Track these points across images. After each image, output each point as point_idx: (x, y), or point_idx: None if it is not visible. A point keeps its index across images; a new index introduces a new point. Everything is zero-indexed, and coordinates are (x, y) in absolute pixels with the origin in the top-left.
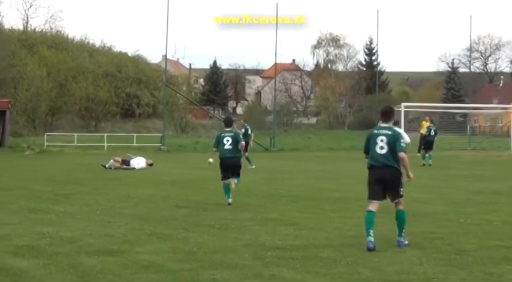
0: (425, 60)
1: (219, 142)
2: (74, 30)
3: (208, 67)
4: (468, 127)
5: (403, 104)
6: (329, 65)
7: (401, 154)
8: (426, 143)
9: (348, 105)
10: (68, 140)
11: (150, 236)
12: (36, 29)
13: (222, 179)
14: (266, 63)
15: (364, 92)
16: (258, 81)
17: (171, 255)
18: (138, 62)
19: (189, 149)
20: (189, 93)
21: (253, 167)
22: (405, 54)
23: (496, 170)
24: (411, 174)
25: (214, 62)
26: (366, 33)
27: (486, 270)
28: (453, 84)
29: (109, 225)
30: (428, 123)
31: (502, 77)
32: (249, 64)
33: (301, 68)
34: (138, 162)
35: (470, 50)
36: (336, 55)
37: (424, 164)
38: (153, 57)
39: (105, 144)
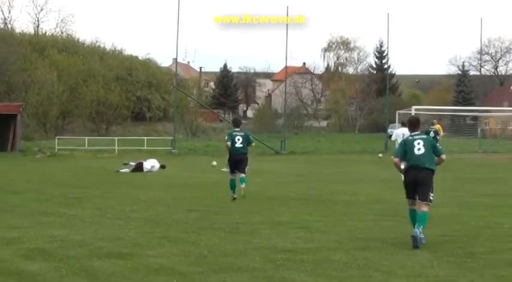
0: (435, 63)
1: (231, 139)
2: (85, 33)
3: (218, 70)
4: (479, 130)
5: (413, 107)
6: (339, 68)
7: (443, 156)
8: None
9: (358, 108)
10: (79, 143)
11: (160, 240)
12: (47, 33)
13: (230, 173)
14: (276, 67)
15: (374, 95)
16: (268, 84)
17: (182, 259)
18: (148, 65)
19: (200, 152)
20: (200, 97)
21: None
22: (415, 57)
23: (506, 172)
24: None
25: (225, 65)
26: (377, 36)
27: (497, 273)
28: (463, 87)
29: (120, 229)
30: (437, 126)
31: None
32: (260, 67)
33: (312, 71)
34: (151, 164)
35: (481, 52)
36: (346, 58)
37: None
38: (164, 60)
39: (116, 147)
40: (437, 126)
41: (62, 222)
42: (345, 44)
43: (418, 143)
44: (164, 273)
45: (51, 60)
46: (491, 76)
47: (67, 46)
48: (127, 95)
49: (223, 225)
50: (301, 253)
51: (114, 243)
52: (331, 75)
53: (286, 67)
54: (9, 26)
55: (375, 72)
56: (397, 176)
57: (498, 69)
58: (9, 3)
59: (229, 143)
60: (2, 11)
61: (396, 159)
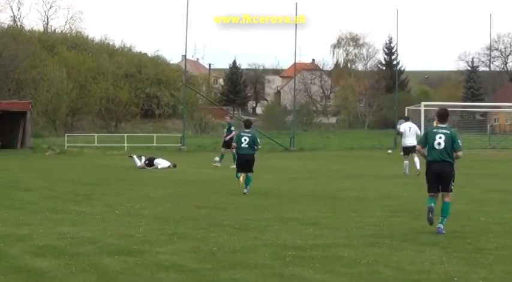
0: (445, 59)
1: (238, 140)
2: (94, 31)
3: (227, 67)
4: (488, 126)
5: (422, 103)
6: (349, 65)
7: (459, 153)
8: None
9: (367, 105)
10: (88, 140)
11: (170, 236)
12: (57, 30)
13: (237, 171)
14: (285, 63)
15: (383, 91)
16: (277, 81)
17: (191, 255)
18: (157, 62)
19: (209, 149)
20: (209, 94)
21: (219, 165)
22: (425, 53)
23: None
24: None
25: (234, 62)
26: (386, 32)
27: (507, 269)
28: (473, 83)
29: (129, 226)
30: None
31: None
32: (269, 64)
33: (321, 67)
34: (162, 163)
35: (490, 48)
36: (355, 54)
37: None
38: (173, 57)
39: (125, 144)
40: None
41: (72, 219)
42: (354, 40)
43: (440, 137)
44: (174, 270)
45: (61, 58)
46: (500, 72)
47: (76, 43)
48: (136, 92)
49: (232, 221)
50: (310, 250)
51: (124, 240)
52: (340, 72)
53: (295, 63)
54: (18, 23)
55: (384, 68)
56: (413, 171)
57: (507, 65)
58: (19, 1)
59: (234, 144)
60: (12, 8)
61: (418, 146)
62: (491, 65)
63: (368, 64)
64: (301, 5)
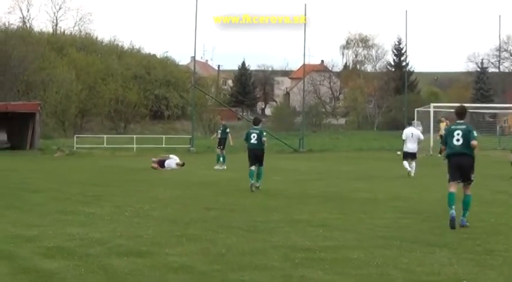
0: (454, 60)
1: (248, 136)
2: (103, 32)
3: (236, 68)
4: (498, 127)
5: (432, 105)
6: (358, 66)
7: (474, 142)
8: None
9: (376, 106)
10: (97, 142)
11: (179, 238)
12: (66, 32)
13: (249, 166)
14: (294, 64)
15: (393, 92)
16: (286, 82)
17: (200, 257)
18: (166, 63)
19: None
20: (218, 95)
21: (224, 168)
22: (434, 54)
23: None
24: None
25: (243, 63)
26: (395, 33)
27: None
28: (482, 84)
29: (138, 227)
30: (444, 124)
31: None
32: (278, 65)
33: (330, 68)
34: (172, 161)
35: (500, 49)
36: (364, 56)
37: None
38: (182, 58)
39: (134, 146)
40: (444, 124)
41: (81, 221)
42: (364, 41)
43: (458, 134)
44: (183, 271)
45: (70, 59)
46: (510, 73)
47: (85, 45)
48: (145, 94)
49: (241, 223)
50: (319, 251)
51: (133, 241)
52: (349, 73)
53: (304, 65)
54: (27, 24)
55: (393, 69)
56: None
57: None
58: (28, 2)
59: (246, 142)
60: (21, 9)
61: (443, 147)
62: (501, 66)
63: (377, 65)
64: (310, 6)
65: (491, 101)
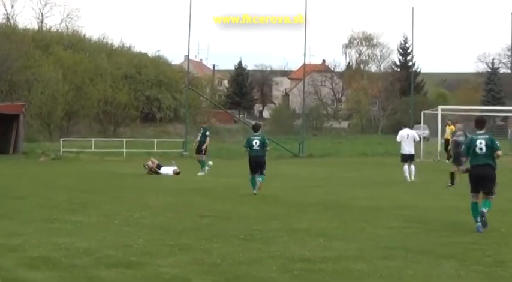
0: (463, 60)
1: (249, 143)
2: (92, 29)
3: (233, 68)
4: (509, 131)
5: (439, 107)
6: (361, 66)
7: (499, 152)
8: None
9: (381, 108)
10: (85, 145)
11: (171, 247)
12: (52, 29)
13: (250, 173)
14: (294, 64)
15: (398, 94)
16: (285, 83)
17: (194, 268)
18: (159, 63)
19: (213, 155)
20: (213, 96)
21: (205, 173)
22: (442, 54)
23: None
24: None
25: (240, 63)
26: (401, 31)
27: None
28: (493, 86)
29: (128, 236)
30: (451, 128)
31: None
32: (276, 65)
33: (332, 69)
34: (170, 168)
35: (511, 49)
36: (368, 55)
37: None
38: (175, 58)
39: (124, 150)
40: (452, 128)
41: (67, 229)
42: (367, 40)
43: (480, 143)
44: None
45: (56, 58)
46: None
47: (73, 43)
48: (136, 95)
49: (237, 232)
50: (319, 262)
51: (122, 251)
52: (352, 73)
53: (304, 65)
54: (11, 21)
55: (398, 70)
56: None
57: None
58: None
59: (245, 149)
60: (5, 5)
61: (464, 158)
62: None
63: (382, 65)
64: (311, 3)
65: (503, 104)
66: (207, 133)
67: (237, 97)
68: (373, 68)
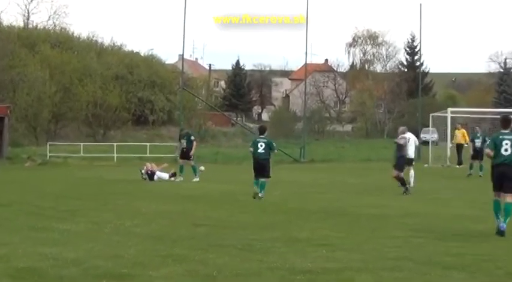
0: (474, 60)
1: (255, 145)
2: (80, 27)
3: (230, 68)
4: None
5: (449, 109)
6: (366, 66)
7: None
8: (474, 152)
9: (387, 111)
10: (73, 150)
11: (164, 258)
12: (38, 26)
13: (254, 177)
14: (295, 64)
15: (405, 95)
16: (286, 83)
17: (188, 279)
18: (151, 62)
19: (208, 160)
20: (209, 98)
21: (197, 180)
22: (452, 53)
23: None
24: None
25: (237, 62)
26: (408, 29)
27: None
28: (506, 87)
29: (118, 246)
30: (461, 132)
31: None
32: (276, 64)
33: (335, 68)
34: (162, 176)
35: None
36: (373, 54)
37: (470, 174)
38: (169, 57)
39: (115, 154)
40: (462, 131)
41: (54, 238)
42: (372, 39)
43: (506, 144)
44: None
45: (43, 57)
46: None
47: (60, 41)
48: (127, 96)
49: (234, 241)
50: (321, 274)
51: (112, 262)
52: (356, 74)
53: (305, 64)
54: None
55: (405, 70)
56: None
57: None
58: None
59: (251, 149)
60: None
61: (488, 150)
62: None
63: (388, 65)
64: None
65: None
66: (192, 138)
67: (235, 99)
68: (378, 68)
